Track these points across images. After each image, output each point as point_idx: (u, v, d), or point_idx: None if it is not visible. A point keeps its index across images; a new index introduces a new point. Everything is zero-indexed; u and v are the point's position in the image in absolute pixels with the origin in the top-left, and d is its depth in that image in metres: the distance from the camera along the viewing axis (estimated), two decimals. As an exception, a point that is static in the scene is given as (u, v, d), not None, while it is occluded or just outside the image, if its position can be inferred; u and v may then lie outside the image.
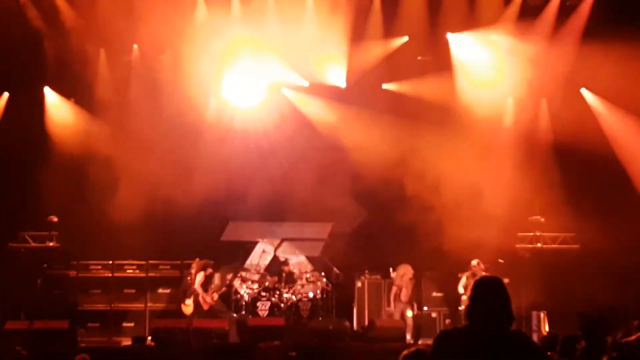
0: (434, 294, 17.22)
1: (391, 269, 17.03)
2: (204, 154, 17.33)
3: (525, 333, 5.05)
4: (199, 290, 16.05)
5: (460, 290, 16.09)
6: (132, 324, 16.24)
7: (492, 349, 4.77)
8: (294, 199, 17.37)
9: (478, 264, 15.97)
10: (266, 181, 17.47)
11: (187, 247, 16.81)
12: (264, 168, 17.76)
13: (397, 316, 16.43)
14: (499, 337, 4.81)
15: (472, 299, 5.00)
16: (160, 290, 16.89)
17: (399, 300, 16.59)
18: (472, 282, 14.76)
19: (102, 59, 17.54)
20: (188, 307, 15.97)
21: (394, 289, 16.70)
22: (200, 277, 16.16)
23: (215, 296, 16.28)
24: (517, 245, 16.95)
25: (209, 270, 16.33)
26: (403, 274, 16.67)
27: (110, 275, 16.88)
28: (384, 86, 18.14)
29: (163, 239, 16.86)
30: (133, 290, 16.78)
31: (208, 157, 17.24)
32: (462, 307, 15.76)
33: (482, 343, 4.79)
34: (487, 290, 4.97)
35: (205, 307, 16.06)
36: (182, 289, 16.19)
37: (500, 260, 16.15)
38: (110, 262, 16.95)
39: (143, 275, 16.96)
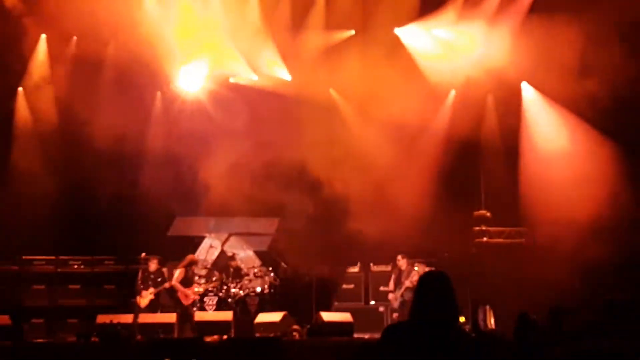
0: (382, 288, 17.21)
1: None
2: (150, 147, 17.20)
3: (464, 329, 5.11)
4: (178, 286, 15.91)
5: (390, 286, 16.36)
6: (76, 320, 15.99)
7: (435, 343, 4.80)
8: (240, 194, 17.22)
9: (402, 257, 16.25)
10: (213, 175, 17.38)
11: (134, 242, 16.67)
12: (211, 162, 17.62)
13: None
14: (442, 332, 4.84)
15: (416, 293, 5.02)
16: (105, 286, 16.73)
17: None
18: (397, 276, 15.99)
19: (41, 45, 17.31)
20: (144, 299, 15.78)
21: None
22: (179, 272, 16.01)
23: (201, 290, 16.19)
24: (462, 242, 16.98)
25: (192, 268, 16.25)
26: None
27: (54, 270, 16.70)
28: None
29: (108, 234, 16.64)
30: (78, 286, 16.61)
31: (155, 150, 17.13)
32: (394, 301, 16.13)
33: (426, 337, 4.82)
34: (432, 285, 4.98)
35: (187, 302, 15.88)
36: (141, 281, 15.95)
37: (445, 254, 16.22)
38: (54, 257, 16.76)
39: (88, 270, 16.81)
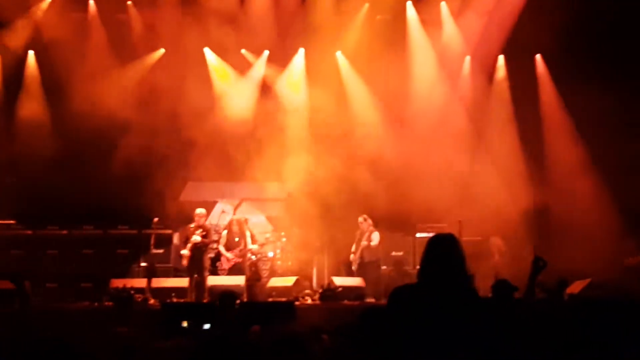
0: (393, 253, 17.35)
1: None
2: (160, 112, 17.32)
3: (476, 291, 5.07)
4: (222, 250, 16.12)
5: (352, 249, 16.44)
6: (90, 285, 16.04)
7: (442, 305, 4.82)
8: (253, 159, 17.41)
9: (365, 219, 16.36)
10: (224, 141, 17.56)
11: (146, 207, 16.65)
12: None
13: None
14: (449, 294, 4.85)
15: (425, 256, 5.05)
16: (119, 251, 16.84)
17: None
18: (358, 239, 16.22)
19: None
20: (185, 257, 15.73)
21: None
22: (224, 235, 16.27)
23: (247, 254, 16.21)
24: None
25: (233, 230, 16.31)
26: None
27: (68, 235, 16.84)
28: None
29: (119, 199, 16.75)
30: (91, 251, 16.74)
31: (164, 115, 17.24)
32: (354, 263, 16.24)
33: (433, 299, 4.83)
34: (439, 247, 5.00)
35: (227, 266, 16.08)
36: (181, 239, 16.07)
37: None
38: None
39: (101, 235, 16.93)
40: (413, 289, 4.99)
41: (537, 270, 5.43)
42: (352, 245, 16.53)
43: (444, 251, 4.96)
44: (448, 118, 18.07)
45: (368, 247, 16.24)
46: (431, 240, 5.08)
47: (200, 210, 15.82)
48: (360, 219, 16.43)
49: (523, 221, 16.36)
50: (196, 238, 15.38)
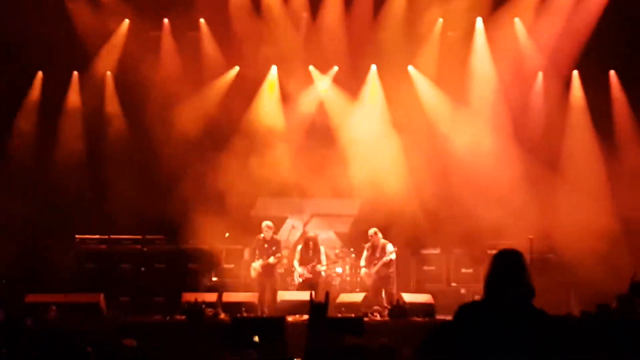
0: (463, 270, 17.40)
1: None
2: (230, 129, 17.95)
3: (540, 310, 4.99)
4: (296, 265, 16.42)
5: (362, 263, 16.50)
6: (162, 299, 16.27)
7: (509, 322, 4.79)
8: (321, 175, 17.62)
9: (375, 233, 16.36)
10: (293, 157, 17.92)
11: (216, 224, 17.02)
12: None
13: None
14: (517, 311, 4.82)
15: (490, 271, 4.99)
16: (190, 265, 16.99)
17: None
18: (371, 253, 16.27)
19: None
20: (255, 270, 16.16)
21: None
22: (299, 250, 16.54)
23: (321, 267, 16.44)
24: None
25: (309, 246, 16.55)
26: None
27: (141, 249, 17.11)
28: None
29: (189, 215, 17.14)
30: (163, 265, 16.97)
31: (233, 131, 17.90)
32: (368, 279, 16.30)
33: (499, 317, 4.81)
34: (505, 263, 4.95)
35: (298, 281, 16.36)
36: (254, 250, 16.37)
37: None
38: (141, 236, 17.19)
39: (173, 249, 17.19)
40: (478, 305, 4.99)
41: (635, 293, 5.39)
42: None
43: (508, 267, 4.93)
44: (523, 132, 18.08)
45: (387, 263, 16.30)
46: (496, 256, 5.03)
47: (267, 223, 16.15)
48: (371, 232, 16.42)
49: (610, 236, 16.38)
50: (272, 260, 16.01)
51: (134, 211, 17.24)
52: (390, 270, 16.45)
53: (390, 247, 16.36)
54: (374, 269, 16.35)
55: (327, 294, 9.69)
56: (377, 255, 16.38)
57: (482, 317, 4.86)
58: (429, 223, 17.42)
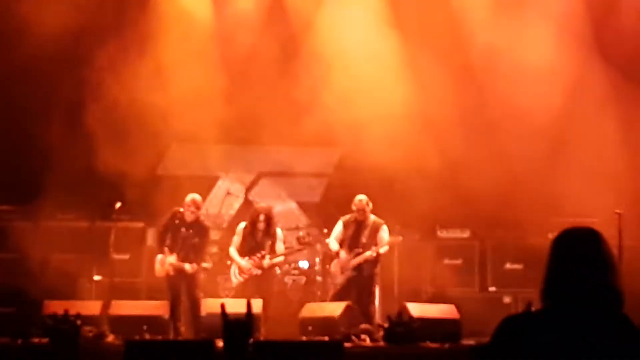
0: (508, 265, 17.68)
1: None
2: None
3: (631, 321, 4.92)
4: (234, 255, 16.73)
5: (332, 243, 16.73)
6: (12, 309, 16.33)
7: (584, 346, 4.73)
8: (276, 107, 18.04)
9: (366, 203, 16.58)
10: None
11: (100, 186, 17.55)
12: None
13: None
14: (595, 327, 4.76)
15: (550, 265, 4.96)
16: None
17: None
18: (353, 233, 16.69)
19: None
20: (165, 267, 16.26)
21: None
22: (239, 233, 16.79)
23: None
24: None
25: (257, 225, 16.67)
26: None
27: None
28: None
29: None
30: (11, 254, 17.29)
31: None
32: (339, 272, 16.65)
33: (567, 337, 4.75)
34: (575, 251, 4.94)
35: (237, 280, 16.72)
36: (162, 235, 16.52)
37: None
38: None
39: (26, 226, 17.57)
40: (533, 319, 4.92)
41: None
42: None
43: (581, 256, 4.92)
44: (610, 44, 18.72)
45: (375, 259, 16.60)
46: (559, 240, 5.02)
47: (193, 197, 16.26)
48: (358, 201, 16.54)
49: None
50: (206, 266, 16.68)
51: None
52: (376, 269, 16.72)
53: (386, 232, 16.53)
54: (356, 261, 16.43)
55: (248, 304, 9.65)
56: (364, 239, 16.45)
57: (540, 337, 4.81)
58: (451, 188, 17.52)
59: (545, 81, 17.97)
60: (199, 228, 16.33)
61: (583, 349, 4.71)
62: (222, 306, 12.67)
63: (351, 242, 16.53)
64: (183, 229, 16.24)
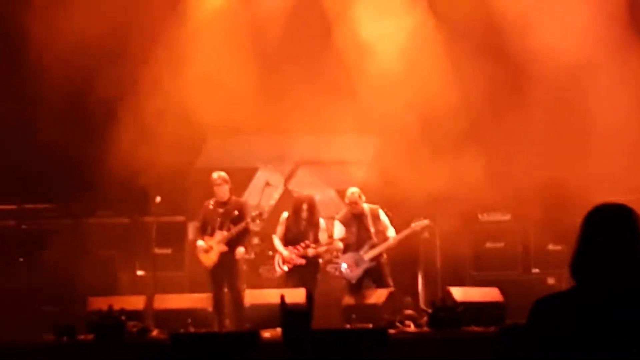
0: (551, 247, 17.55)
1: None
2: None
3: None
4: (278, 244, 16.82)
5: (337, 232, 16.88)
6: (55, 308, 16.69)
7: (619, 319, 4.68)
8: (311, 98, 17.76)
9: (359, 196, 16.72)
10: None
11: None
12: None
13: None
14: (628, 300, 4.72)
15: (581, 242, 4.84)
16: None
17: None
18: (358, 226, 16.82)
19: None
20: (210, 253, 16.43)
21: None
22: (282, 223, 16.91)
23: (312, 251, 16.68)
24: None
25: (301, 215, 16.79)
26: None
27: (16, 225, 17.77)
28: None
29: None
30: (53, 251, 17.37)
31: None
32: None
33: (600, 316, 4.70)
34: (607, 227, 4.82)
35: (278, 272, 16.83)
36: (202, 223, 16.76)
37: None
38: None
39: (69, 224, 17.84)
40: (564, 299, 4.86)
41: None
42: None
43: (611, 232, 4.80)
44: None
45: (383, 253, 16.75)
46: (591, 217, 4.88)
47: (219, 174, 16.42)
48: (355, 192, 16.71)
49: None
50: (241, 252, 16.46)
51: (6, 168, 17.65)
52: (384, 257, 16.83)
53: (384, 215, 16.77)
54: (371, 254, 16.59)
55: (309, 293, 9.66)
56: (372, 229, 16.67)
57: (571, 318, 4.76)
58: (491, 171, 17.42)
59: (584, 70, 17.59)
60: (235, 202, 16.51)
61: (615, 325, 4.67)
62: (282, 297, 12.87)
63: (361, 237, 16.69)
64: (220, 209, 16.38)
